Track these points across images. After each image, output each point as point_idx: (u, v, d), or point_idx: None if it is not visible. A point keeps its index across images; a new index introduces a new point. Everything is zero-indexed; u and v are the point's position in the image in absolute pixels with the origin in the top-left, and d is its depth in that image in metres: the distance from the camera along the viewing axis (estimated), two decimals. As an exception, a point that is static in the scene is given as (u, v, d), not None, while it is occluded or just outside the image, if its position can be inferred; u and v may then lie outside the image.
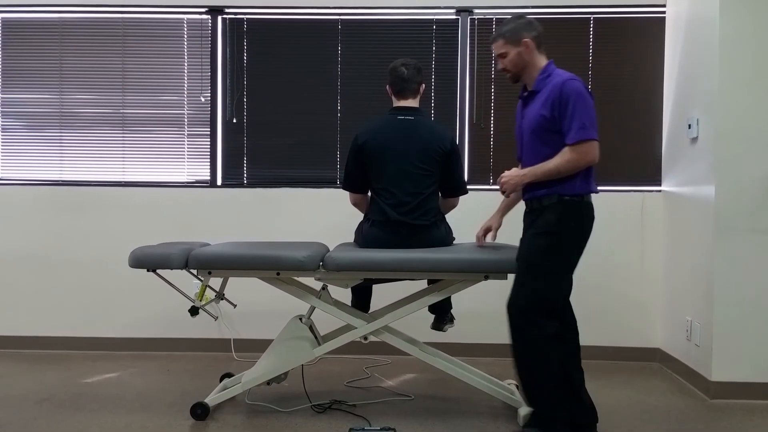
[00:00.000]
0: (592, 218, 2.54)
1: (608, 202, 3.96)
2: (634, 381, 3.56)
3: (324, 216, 4.00)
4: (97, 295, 4.10)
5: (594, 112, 2.44)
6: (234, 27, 4.13)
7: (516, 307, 2.49)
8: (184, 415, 2.89)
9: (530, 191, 2.56)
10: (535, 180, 2.49)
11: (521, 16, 2.65)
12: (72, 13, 4.14)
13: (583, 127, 2.40)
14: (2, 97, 4.17)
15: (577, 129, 2.40)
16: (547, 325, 2.44)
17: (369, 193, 3.09)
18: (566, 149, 2.43)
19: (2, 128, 4.17)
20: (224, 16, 4.12)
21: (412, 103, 3.02)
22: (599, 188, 3.97)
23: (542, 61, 2.60)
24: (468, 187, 3.18)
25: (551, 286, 2.48)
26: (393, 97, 3.04)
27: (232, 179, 4.16)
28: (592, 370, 3.75)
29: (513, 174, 2.54)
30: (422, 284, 3.23)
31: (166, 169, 4.16)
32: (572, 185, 2.47)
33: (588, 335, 3.91)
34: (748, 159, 3.22)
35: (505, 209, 2.90)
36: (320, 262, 2.81)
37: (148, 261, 2.80)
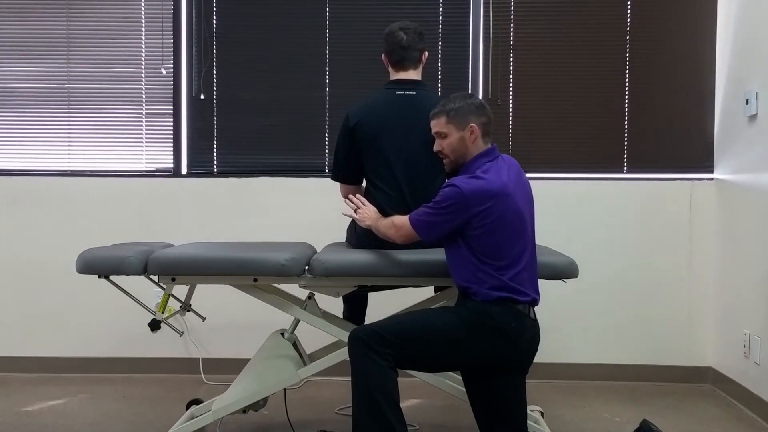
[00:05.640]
0: None
1: (650, 193, 3.96)
2: (682, 406, 3.57)
3: (310, 211, 4.00)
4: (38, 306, 4.10)
5: (441, 218, 2.50)
6: (201, -16, 4.14)
7: None
8: (143, 450, 2.90)
9: None
10: None
11: (473, 95, 2.66)
12: (6, -32, 4.15)
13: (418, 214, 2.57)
14: None
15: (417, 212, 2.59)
16: None
17: (363, 184, 3.10)
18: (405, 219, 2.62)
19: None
20: (189, -29, 4.13)
21: (413, 75, 3.01)
22: (639, 175, 4.04)
23: (480, 150, 2.59)
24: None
25: None
26: (390, 69, 3.03)
27: (200, 167, 4.17)
28: (631, 392, 3.77)
29: None
30: (428, 292, 3.23)
31: (120, 156, 4.17)
32: None
33: (626, 352, 3.96)
34: (817, 141, 3.24)
35: None
36: (306, 266, 2.81)
37: (99, 266, 2.80)
